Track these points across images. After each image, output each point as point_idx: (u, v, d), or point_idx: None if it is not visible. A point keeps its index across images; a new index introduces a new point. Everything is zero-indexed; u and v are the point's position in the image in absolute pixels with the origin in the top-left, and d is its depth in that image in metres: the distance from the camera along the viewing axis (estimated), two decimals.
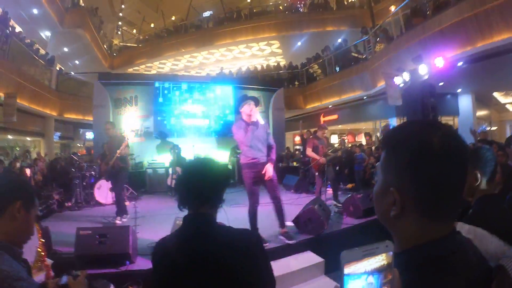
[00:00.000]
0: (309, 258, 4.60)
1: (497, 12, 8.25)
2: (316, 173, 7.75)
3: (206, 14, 24.71)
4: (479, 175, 1.99)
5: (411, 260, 0.79)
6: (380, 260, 0.66)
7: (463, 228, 1.74)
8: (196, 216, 1.53)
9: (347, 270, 0.63)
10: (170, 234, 1.59)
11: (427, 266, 0.77)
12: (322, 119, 17.78)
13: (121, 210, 6.45)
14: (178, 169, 9.32)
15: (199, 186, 1.53)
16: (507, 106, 20.90)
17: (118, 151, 6.32)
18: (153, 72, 23.02)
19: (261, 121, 4.84)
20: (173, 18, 25.68)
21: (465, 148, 0.83)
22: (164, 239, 1.57)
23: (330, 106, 16.80)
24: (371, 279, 0.65)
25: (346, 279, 0.64)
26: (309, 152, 7.59)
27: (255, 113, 4.81)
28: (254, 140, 4.71)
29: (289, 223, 5.24)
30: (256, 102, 4.92)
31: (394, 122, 13.89)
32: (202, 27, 22.26)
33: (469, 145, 7.15)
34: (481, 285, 0.84)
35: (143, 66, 22.73)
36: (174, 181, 9.31)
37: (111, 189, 7.27)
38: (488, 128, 15.74)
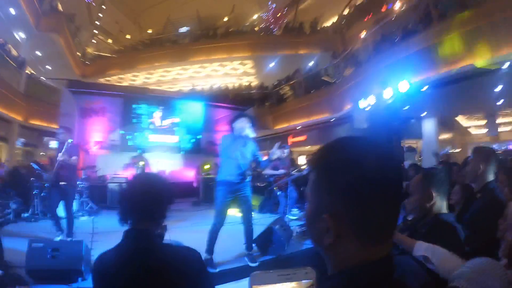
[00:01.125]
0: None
1: (462, 40, 8.73)
2: (278, 193, 7.82)
3: (183, 29, 24.78)
4: (433, 193, 2.07)
5: (343, 282, 0.75)
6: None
7: (421, 246, 1.79)
8: (136, 231, 1.51)
9: None
10: (110, 249, 1.55)
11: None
12: (290, 140, 17.94)
13: (71, 232, 5.86)
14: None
15: (140, 201, 1.52)
16: (470, 129, 21.79)
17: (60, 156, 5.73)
18: (125, 83, 22.72)
19: (250, 138, 4.75)
20: (150, 31, 25.62)
21: (399, 170, 0.81)
22: (104, 254, 1.54)
23: (298, 127, 17.00)
24: None
25: None
26: (268, 171, 7.70)
27: (246, 130, 4.68)
28: (236, 155, 4.59)
29: None
30: (251, 121, 4.83)
31: None
32: (178, 42, 22.29)
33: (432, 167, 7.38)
34: None
35: (115, 77, 22.38)
36: None
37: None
38: (451, 151, 16.29)
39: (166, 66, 21.52)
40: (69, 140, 5.78)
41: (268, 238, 5.14)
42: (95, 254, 4.52)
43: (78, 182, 8.60)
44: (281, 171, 7.79)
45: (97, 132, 11.13)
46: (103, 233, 6.20)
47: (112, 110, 11.34)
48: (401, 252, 1.85)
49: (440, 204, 2.10)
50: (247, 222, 4.73)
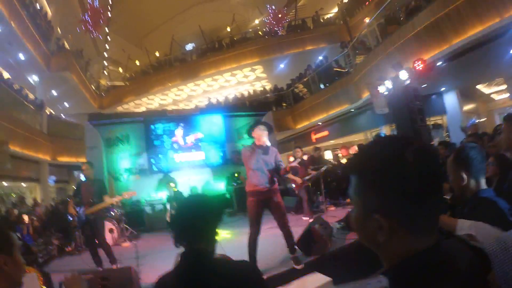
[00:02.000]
0: (317, 279, 4.55)
1: (468, 7, 8.50)
2: (296, 192, 7.92)
3: (189, 46, 25.06)
4: (464, 176, 2.03)
5: (399, 275, 0.79)
6: None
7: (464, 224, 1.78)
8: (192, 252, 1.55)
9: None
10: (169, 271, 1.61)
11: (414, 279, 0.77)
12: (313, 136, 17.87)
13: (113, 259, 5.89)
14: (176, 204, 9.32)
15: (193, 224, 1.57)
16: (492, 96, 21.24)
17: (111, 201, 5.99)
18: (142, 108, 23.14)
19: (269, 145, 4.77)
20: (157, 53, 26.02)
21: (437, 158, 0.84)
22: (163, 277, 1.60)
23: (319, 123, 16.94)
24: None
25: None
26: (289, 174, 7.74)
27: (263, 138, 4.70)
28: (260, 164, 4.63)
29: None
30: (269, 127, 4.87)
31: (384, 130, 14.02)
32: (186, 60, 22.54)
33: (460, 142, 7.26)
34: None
35: (132, 104, 22.85)
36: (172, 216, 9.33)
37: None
38: (477, 121, 15.91)
39: (179, 85, 21.79)
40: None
41: (310, 238, 5.14)
42: (144, 278, 4.66)
43: (115, 210, 8.91)
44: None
45: (124, 159, 11.36)
46: (146, 256, 6.39)
47: (135, 135, 11.56)
48: (443, 233, 1.84)
49: (478, 181, 2.07)
50: (284, 226, 4.72)
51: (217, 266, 1.56)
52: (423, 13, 9.72)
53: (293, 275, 4.59)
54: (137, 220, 10.04)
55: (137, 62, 26.67)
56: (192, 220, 1.58)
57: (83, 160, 13.99)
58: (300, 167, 7.89)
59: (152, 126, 11.61)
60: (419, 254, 0.78)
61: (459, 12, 8.73)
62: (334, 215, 7.79)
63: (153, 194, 10.92)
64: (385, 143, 0.84)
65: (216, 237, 1.65)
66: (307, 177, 7.89)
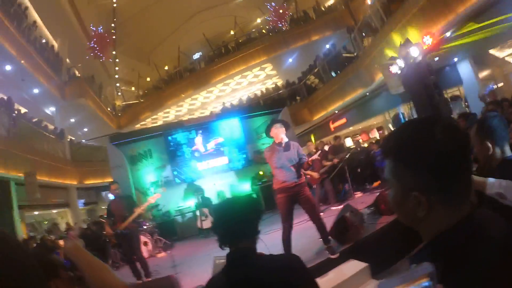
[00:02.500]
0: (354, 266, 4.57)
1: None
2: (314, 186, 7.95)
3: (196, 55, 25.31)
4: (489, 145, 2.04)
5: (437, 248, 0.85)
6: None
7: (493, 184, 1.79)
8: (238, 252, 1.62)
9: None
10: (218, 273, 1.64)
11: (451, 250, 0.82)
12: (331, 126, 17.80)
13: (148, 273, 6.00)
14: (205, 210, 9.45)
15: (236, 224, 1.63)
16: (507, 59, 20.67)
17: (140, 210, 6.13)
18: (160, 123, 23.46)
19: (288, 141, 4.79)
20: (166, 67, 26.34)
21: (465, 134, 0.90)
22: (213, 279, 1.67)
23: (336, 112, 16.86)
24: None
25: None
26: (303, 170, 7.84)
27: (280, 135, 4.73)
28: (283, 162, 4.65)
29: None
30: (285, 124, 4.92)
31: (402, 109, 13.86)
32: (195, 69, 22.73)
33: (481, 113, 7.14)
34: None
35: (149, 120, 23.20)
36: (203, 223, 9.44)
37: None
38: (495, 87, 15.57)
39: (192, 95, 22.01)
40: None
41: (342, 227, 5.16)
42: (183, 285, 4.75)
43: (148, 224, 9.11)
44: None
45: (149, 174, 11.58)
46: (183, 264, 6.53)
47: (157, 149, 11.77)
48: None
49: (503, 149, 2.07)
50: (316, 218, 4.73)
51: (264, 262, 1.62)
52: None
53: (329, 265, 4.62)
54: (169, 230, 10.23)
55: (148, 79, 27.05)
56: (234, 220, 1.63)
57: (109, 179, 14.36)
58: (315, 160, 7.93)
59: (170, 138, 11.77)
60: (454, 227, 0.84)
61: None
62: (362, 201, 7.77)
63: (181, 203, 11.10)
64: (414, 125, 0.92)
65: (258, 234, 1.71)
66: (322, 170, 7.94)
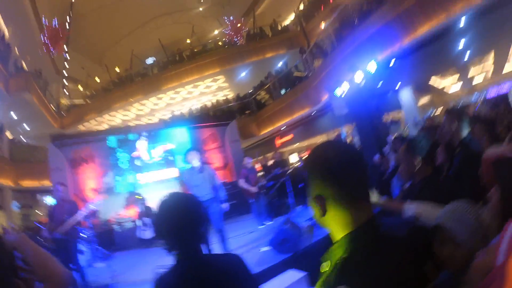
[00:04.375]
0: (292, 276, 4.75)
1: (417, 7, 9.08)
2: (251, 200, 8.39)
3: (149, 60, 24.90)
4: (415, 162, 2.32)
5: (343, 246, 1.02)
6: None
7: (410, 207, 2.01)
8: (185, 250, 1.59)
9: None
10: (167, 271, 1.61)
11: (358, 248, 0.99)
12: (277, 142, 18.20)
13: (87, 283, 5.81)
14: (146, 220, 9.23)
15: (182, 225, 1.57)
16: (446, 88, 22.27)
17: (80, 215, 5.90)
18: (105, 126, 22.68)
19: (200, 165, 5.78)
20: (118, 69, 25.65)
21: (358, 153, 1.12)
22: (162, 275, 1.61)
23: (283, 128, 17.26)
24: None
25: None
26: (241, 183, 8.14)
27: (193, 159, 5.75)
28: (193, 182, 5.56)
29: (266, 248, 5.48)
30: (198, 150, 6.19)
31: (345, 129, 14.51)
32: (147, 74, 22.31)
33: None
34: (414, 251, 1.08)
35: (93, 122, 22.37)
36: (143, 233, 9.21)
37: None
38: (433, 113, 16.68)
39: (141, 100, 21.51)
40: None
41: (281, 238, 5.34)
42: None
43: (85, 232, 8.75)
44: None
45: (90, 179, 11.15)
46: (122, 274, 6.40)
47: (100, 154, 11.33)
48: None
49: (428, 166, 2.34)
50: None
51: (209, 259, 1.69)
52: (375, 16, 10.26)
53: (269, 274, 4.76)
54: (108, 240, 9.80)
55: (97, 79, 26.23)
56: (180, 221, 1.58)
57: (46, 183, 13.63)
58: (251, 175, 8.30)
59: (114, 143, 11.40)
60: (358, 227, 1.02)
61: (408, 13, 9.31)
62: (303, 215, 8.02)
63: (121, 212, 10.72)
64: (319, 146, 1.14)
65: (205, 232, 1.68)
66: (260, 184, 8.25)
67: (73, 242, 5.98)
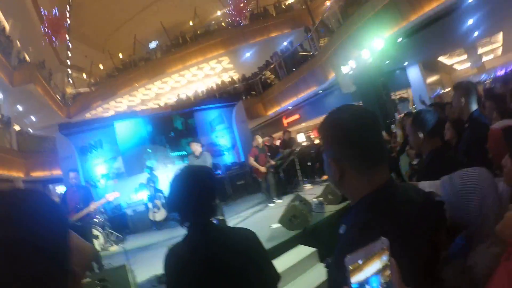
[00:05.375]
0: (302, 251, 4.86)
1: None
2: (260, 179, 8.28)
3: (152, 44, 24.79)
4: (421, 135, 2.35)
5: (361, 208, 1.04)
6: (382, 261, 0.70)
7: (424, 185, 2.04)
8: (198, 222, 1.61)
9: (353, 279, 0.68)
10: (178, 242, 1.65)
11: (375, 208, 1.00)
12: (285, 121, 18.19)
13: (101, 266, 5.84)
14: (158, 202, 9.35)
15: (194, 198, 1.59)
16: (454, 66, 22.10)
17: (96, 205, 5.94)
18: (111, 112, 22.74)
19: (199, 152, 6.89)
20: (121, 55, 25.56)
21: (373, 116, 1.10)
22: (174, 246, 1.65)
23: (290, 108, 17.24)
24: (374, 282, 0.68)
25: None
26: (251, 161, 8.14)
27: (193, 147, 6.98)
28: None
29: (276, 225, 5.57)
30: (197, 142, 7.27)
31: None
32: (151, 58, 22.31)
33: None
34: (429, 216, 1.07)
35: (100, 109, 22.45)
36: (155, 215, 9.30)
37: None
38: (442, 91, 16.57)
39: (146, 84, 21.60)
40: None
41: (291, 215, 5.43)
42: (138, 275, 4.82)
43: (98, 217, 8.87)
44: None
45: (100, 165, 11.26)
46: (136, 255, 6.54)
47: (108, 140, 11.35)
48: None
49: (433, 139, 2.38)
50: None
51: (223, 232, 1.69)
52: None
53: (279, 250, 4.86)
54: (120, 224, 9.91)
55: (101, 66, 26.17)
56: (192, 194, 1.60)
57: (57, 172, 13.73)
58: (261, 154, 8.28)
59: (121, 128, 11.45)
60: (375, 190, 1.03)
61: None
62: (311, 192, 8.11)
63: (133, 196, 10.83)
64: (333, 111, 1.14)
65: (217, 206, 1.70)
66: (268, 165, 8.27)
67: (87, 227, 6.11)
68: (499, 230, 1.03)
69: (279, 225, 5.56)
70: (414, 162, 4.53)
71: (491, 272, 1.02)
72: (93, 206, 5.89)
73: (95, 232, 8.10)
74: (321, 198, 6.78)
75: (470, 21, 11.16)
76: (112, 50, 25.58)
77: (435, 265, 1.06)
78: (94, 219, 8.61)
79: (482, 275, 1.17)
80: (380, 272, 0.68)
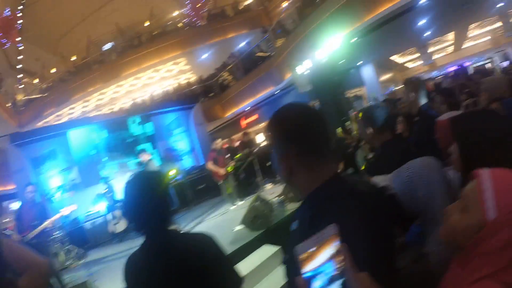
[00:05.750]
0: (267, 250, 4.88)
1: None
2: (220, 182, 8.33)
3: (107, 46, 23.98)
4: (370, 130, 2.43)
5: (310, 203, 1.08)
6: (334, 247, 0.71)
7: (377, 180, 2.09)
8: (153, 228, 1.58)
9: (305, 268, 0.70)
10: (136, 251, 1.63)
11: (324, 201, 1.02)
12: (243, 122, 18.25)
13: (64, 285, 5.55)
14: (117, 213, 8.99)
15: (148, 204, 1.56)
16: (407, 64, 23.08)
17: (51, 221, 5.74)
18: (65, 119, 21.85)
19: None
20: (74, 57, 24.53)
21: (317, 112, 1.15)
22: (131, 256, 1.64)
23: (248, 108, 17.29)
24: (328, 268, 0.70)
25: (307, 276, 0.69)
26: (210, 165, 8.11)
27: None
28: None
29: (239, 227, 5.56)
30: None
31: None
32: (105, 61, 21.48)
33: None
34: (376, 205, 1.07)
35: (52, 116, 21.44)
36: (115, 226, 8.88)
37: None
38: (395, 89, 17.21)
39: (100, 89, 20.78)
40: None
41: (253, 215, 5.43)
42: None
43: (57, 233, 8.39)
44: None
45: (55, 177, 10.71)
46: (99, 271, 6.31)
47: (62, 149, 10.80)
48: None
49: (383, 134, 2.47)
50: None
51: (179, 237, 1.67)
52: None
53: (244, 252, 4.85)
54: (80, 238, 9.39)
55: (54, 70, 25.03)
56: (144, 200, 1.57)
57: (10, 187, 12.98)
58: (220, 157, 8.27)
59: (75, 136, 10.88)
60: (322, 184, 1.07)
61: None
62: (272, 191, 8.16)
63: (91, 208, 10.25)
64: (278, 109, 1.17)
65: (171, 211, 1.67)
66: (227, 167, 8.28)
67: (44, 244, 5.83)
68: (442, 234, 1.03)
69: (241, 227, 5.55)
70: (369, 156, 4.67)
71: (445, 259, 1.04)
72: (48, 222, 5.66)
73: (55, 249, 7.71)
74: (282, 197, 6.83)
75: (422, 22, 11.65)
76: (65, 52, 24.54)
77: (389, 255, 1.06)
78: (53, 235, 8.16)
79: (437, 262, 1.21)
80: (333, 257, 0.70)
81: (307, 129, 1.08)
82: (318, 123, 1.11)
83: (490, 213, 0.85)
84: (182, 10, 22.59)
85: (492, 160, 1.12)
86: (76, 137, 10.92)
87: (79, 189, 10.66)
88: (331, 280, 0.68)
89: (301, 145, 1.07)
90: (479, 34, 21.97)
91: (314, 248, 0.70)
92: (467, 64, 22.24)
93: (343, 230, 0.73)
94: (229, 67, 17.94)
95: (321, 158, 1.09)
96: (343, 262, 0.70)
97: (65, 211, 6.01)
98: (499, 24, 18.32)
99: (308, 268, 0.69)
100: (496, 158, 1.18)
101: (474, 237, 0.87)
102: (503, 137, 1.27)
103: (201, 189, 11.12)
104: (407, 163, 1.48)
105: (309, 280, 0.69)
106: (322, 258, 0.69)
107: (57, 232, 8.33)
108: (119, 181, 10.38)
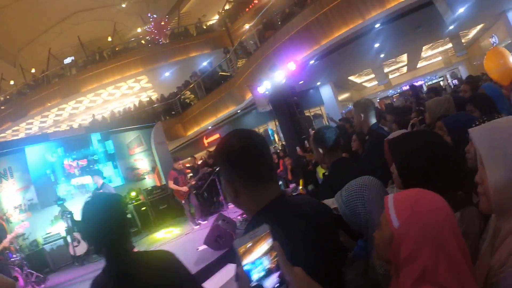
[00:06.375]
0: (231, 270, 4.91)
1: (335, 11, 9.83)
2: (183, 201, 8.44)
3: (68, 60, 23.22)
4: (320, 150, 2.60)
5: (256, 223, 1.03)
6: (268, 243, 0.80)
7: (328, 202, 2.22)
8: (114, 249, 1.60)
9: (245, 261, 0.78)
10: (100, 273, 1.63)
11: (269, 221, 1.06)
12: (205, 141, 18.27)
13: None
14: (76, 235, 8.68)
15: (107, 227, 1.58)
16: (364, 84, 24.09)
17: (6, 241, 5.63)
18: (21, 135, 20.95)
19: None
20: (33, 70, 23.56)
21: (259, 138, 1.23)
22: (95, 279, 1.62)
23: (210, 127, 17.40)
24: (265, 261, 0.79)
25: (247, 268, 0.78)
26: (171, 184, 8.20)
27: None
28: None
29: (203, 246, 5.61)
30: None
31: (270, 126, 15.12)
32: (65, 75, 20.81)
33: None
34: (318, 224, 1.16)
35: (9, 131, 20.53)
36: (75, 249, 8.47)
37: None
38: (352, 107, 17.89)
39: (59, 104, 20.06)
40: None
41: (216, 235, 5.48)
42: None
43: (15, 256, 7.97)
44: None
45: (10, 197, 10.14)
46: None
47: (19, 167, 10.19)
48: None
49: (333, 153, 2.63)
50: None
51: (140, 257, 1.70)
52: (296, 19, 10.94)
53: (209, 272, 4.89)
54: (40, 262, 8.90)
55: (12, 82, 23.97)
56: (102, 222, 1.59)
57: None
58: (180, 176, 8.33)
59: (32, 153, 10.38)
60: (265, 206, 1.16)
61: (327, 17, 10.03)
62: (235, 210, 8.22)
63: (49, 230, 9.79)
64: (222, 137, 1.27)
65: (130, 232, 1.73)
66: (189, 185, 8.35)
67: (5, 268, 5.72)
68: (375, 252, 1.13)
69: (205, 246, 5.60)
70: (327, 173, 4.88)
71: (389, 271, 1.11)
72: (5, 242, 5.46)
73: (14, 273, 7.33)
74: (245, 215, 6.91)
75: (377, 45, 12.30)
76: (25, 64, 23.60)
77: (333, 270, 1.17)
78: (12, 258, 7.73)
79: (381, 275, 1.31)
80: (267, 253, 0.79)
81: (248, 156, 1.17)
82: (259, 150, 1.20)
83: (394, 223, 0.97)
84: (145, 27, 22.51)
85: (426, 179, 1.27)
86: (33, 154, 10.42)
87: (36, 210, 10.06)
88: (268, 272, 0.78)
89: (243, 170, 1.16)
90: (431, 55, 23.46)
91: (250, 244, 0.79)
92: (419, 83, 23.62)
93: (285, 249, 0.80)
94: (191, 85, 17.97)
95: (263, 182, 1.19)
96: (277, 258, 0.79)
97: (19, 229, 5.82)
98: (450, 45, 19.58)
99: (246, 261, 0.78)
100: (428, 177, 1.30)
101: (392, 248, 0.98)
102: (435, 157, 1.37)
103: (163, 209, 10.97)
104: (346, 185, 1.64)
105: (249, 271, 0.78)
106: (258, 252, 0.79)
107: (16, 255, 7.91)
108: (77, 201, 10.02)
